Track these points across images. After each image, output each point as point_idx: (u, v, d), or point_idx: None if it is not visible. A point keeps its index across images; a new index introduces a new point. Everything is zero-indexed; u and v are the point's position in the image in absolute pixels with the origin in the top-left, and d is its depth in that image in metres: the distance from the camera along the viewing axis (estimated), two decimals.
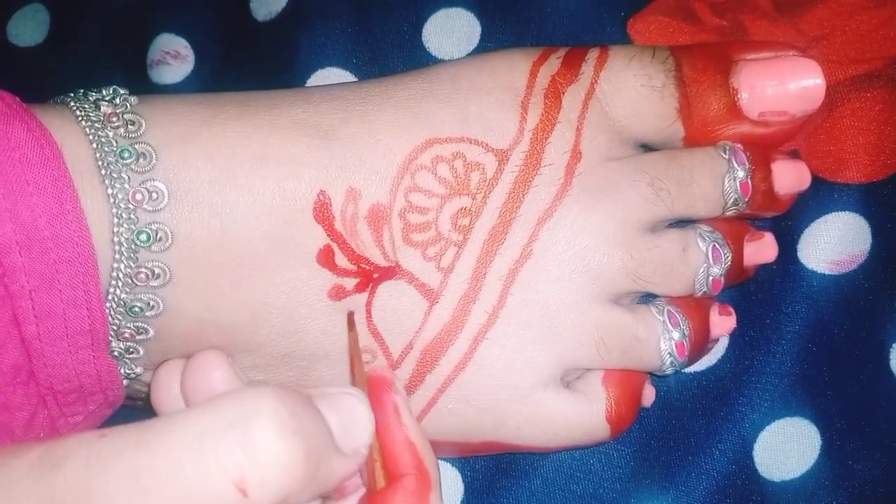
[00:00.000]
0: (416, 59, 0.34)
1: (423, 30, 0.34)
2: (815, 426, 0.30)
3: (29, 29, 0.38)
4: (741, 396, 0.30)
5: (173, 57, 0.36)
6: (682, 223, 0.30)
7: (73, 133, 0.25)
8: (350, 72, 0.34)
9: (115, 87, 0.27)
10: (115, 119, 0.25)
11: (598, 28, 0.33)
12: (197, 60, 0.36)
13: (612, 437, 0.29)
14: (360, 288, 0.28)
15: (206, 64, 0.36)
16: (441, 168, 0.28)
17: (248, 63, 0.36)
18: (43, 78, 0.38)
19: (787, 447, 0.30)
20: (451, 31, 0.34)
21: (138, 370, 0.27)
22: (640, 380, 0.30)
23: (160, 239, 0.25)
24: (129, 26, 0.37)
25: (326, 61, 0.34)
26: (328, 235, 0.27)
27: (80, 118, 0.25)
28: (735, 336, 0.31)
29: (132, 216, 0.25)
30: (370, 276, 0.28)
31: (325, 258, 0.27)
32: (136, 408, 0.30)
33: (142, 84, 0.36)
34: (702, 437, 0.30)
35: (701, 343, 0.30)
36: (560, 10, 0.34)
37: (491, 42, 0.34)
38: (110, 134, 0.25)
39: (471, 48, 0.34)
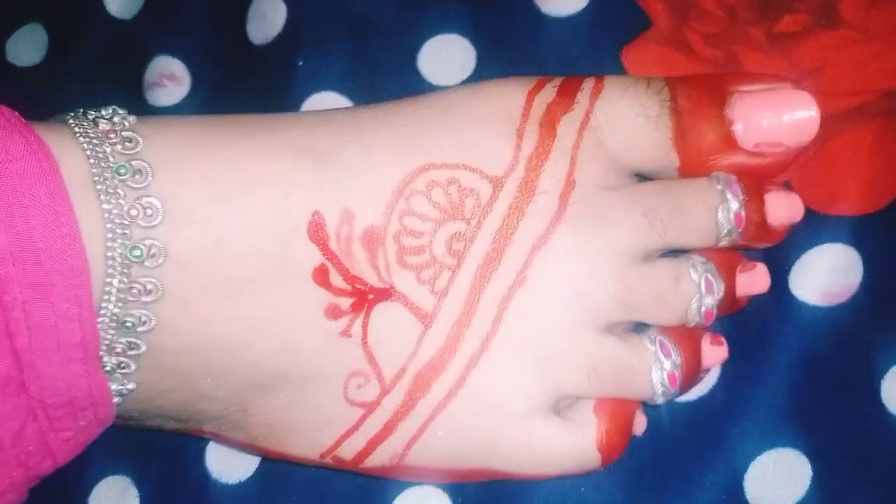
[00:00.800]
0: (411, 84, 0.34)
1: (419, 56, 0.35)
2: (807, 457, 0.30)
3: (27, 49, 0.38)
4: (732, 427, 0.30)
5: (169, 79, 0.36)
6: (676, 252, 0.30)
7: (70, 149, 0.25)
8: (346, 96, 0.35)
9: (114, 107, 0.27)
10: (112, 136, 0.26)
11: (593, 56, 0.34)
12: (193, 83, 0.37)
13: (602, 466, 0.29)
14: (355, 308, 0.28)
15: (202, 87, 0.36)
16: (436, 193, 0.28)
17: (244, 87, 0.36)
18: (42, 98, 0.38)
19: (779, 478, 0.30)
20: (446, 58, 0.35)
21: (130, 386, 0.27)
22: (631, 408, 0.30)
23: (153, 255, 0.25)
24: (126, 48, 0.37)
25: (322, 86, 0.35)
26: (323, 255, 0.27)
27: (78, 135, 0.25)
28: (726, 366, 0.31)
29: (126, 231, 0.25)
30: (365, 297, 0.28)
31: (321, 276, 0.27)
32: (128, 427, 0.29)
33: (139, 106, 0.36)
34: (692, 468, 0.30)
35: (692, 373, 0.30)
36: (554, 39, 0.34)
37: (486, 69, 0.34)
38: (108, 150, 0.25)
39: (465, 76, 0.34)
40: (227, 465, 0.34)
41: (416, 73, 0.35)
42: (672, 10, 0.33)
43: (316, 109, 0.34)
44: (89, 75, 0.38)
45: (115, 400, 0.27)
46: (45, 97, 0.38)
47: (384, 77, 0.35)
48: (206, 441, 0.34)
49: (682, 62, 0.33)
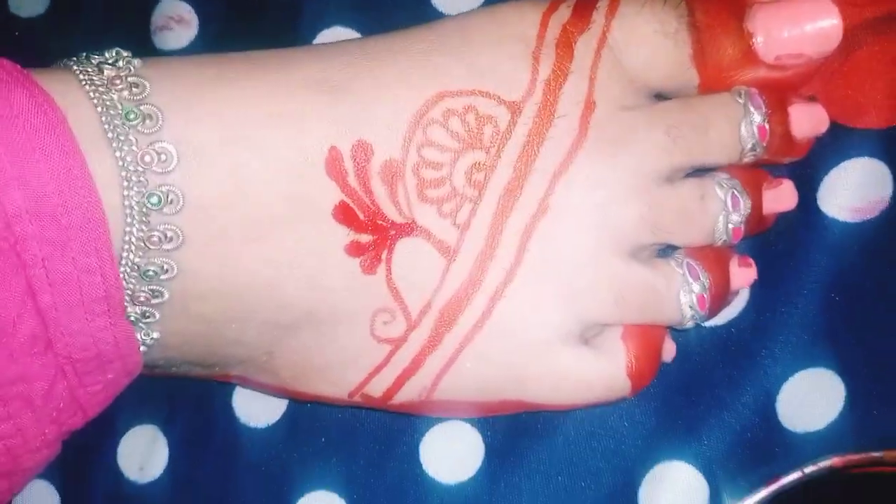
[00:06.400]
0: (422, 15, 0.34)
1: None
2: (839, 376, 0.29)
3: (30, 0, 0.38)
4: (763, 349, 0.30)
5: (177, 22, 0.36)
6: (700, 172, 0.29)
7: (77, 97, 0.24)
8: (356, 31, 0.34)
9: (118, 49, 0.26)
10: (118, 82, 0.25)
11: None
12: (201, 25, 0.36)
13: (632, 394, 0.29)
14: (377, 245, 0.27)
15: (210, 28, 0.36)
16: (453, 122, 0.27)
17: (253, 27, 0.35)
18: (46, 48, 0.37)
19: (811, 398, 0.30)
20: None
21: (155, 335, 0.26)
22: (660, 335, 0.29)
23: (171, 201, 0.25)
24: None
25: (331, 20, 0.34)
26: (342, 191, 0.27)
27: (83, 82, 0.25)
28: (756, 288, 0.31)
29: (142, 179, 0.24)
30: (387, 233, 0.27)
31: (342, 214, 0.27)
32: (154, 377, 0.29)
33: (146, 51, 0.35)
34: (724, 391, 0.30)
35: (721, 295, 0.29)
36: None
37: None
38: (115, 97, 0.25)
39: (478, 2, 0.34)
40: (255, 409, 0.34)
41: (427, 3, 0.34)
42: None
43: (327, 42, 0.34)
44: (95, 23, 0.37)
45: (142, 349, 0.27)
46: (50, 47, 0.37)
47: (394, 9, 0.34)
48: (233, 386, 0.34)
49: None
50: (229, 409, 0.34)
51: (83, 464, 0.35)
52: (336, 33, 0.34)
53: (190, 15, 0.36)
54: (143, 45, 0.36)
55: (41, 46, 0.37)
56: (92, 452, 0.35)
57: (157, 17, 0.36)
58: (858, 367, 0.29)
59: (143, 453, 0.34)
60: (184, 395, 0.34)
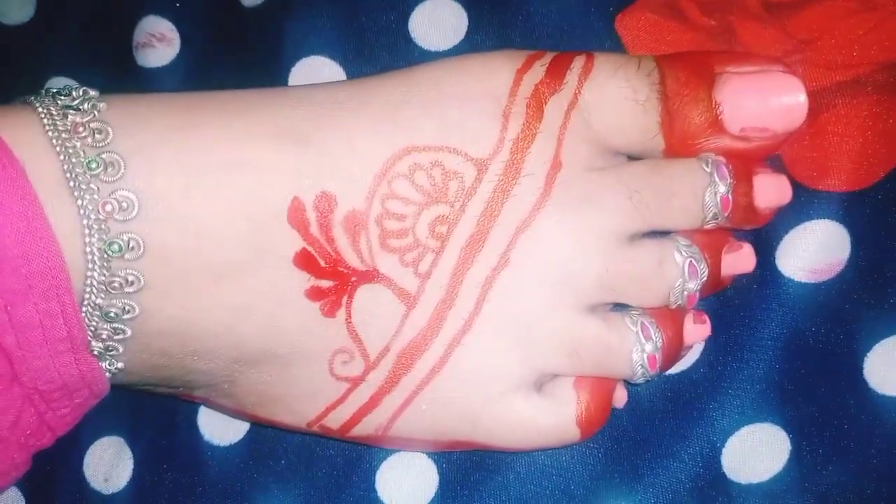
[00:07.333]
0: (402, 49, 0.34)
1: (410, 20, 0.34)
2: (785, 431, 0.30)
3: (15, 7, 0.38)
4: (712, 401, 0.31)
5: (158, 39, 0.36)
6: (662, 233, 0.30)
7: (40, 146, 0.25)
8: (335, 61, 0.34)
9: (85, 88, 0.26)
10: (81, 129, 0.25)
11: (586, 23, 0.33)
12: (182, 44, 0.36)
13: (582, 440, 0.30)
14: (338, 290, 0.28)
15: (192, 48, 0.36)
16: (419, 176, 0.28)
17: (234, 49, 0.35)
18: (31, 56, 0.37)
19: (757, 451, 0.30)
20: (438, 22, 0.34)
21: (119, 365, 0.27)
22: (611, 384, 0.30)
23: (132, 248, 0.25)
24: (115, 7, 0.37)
25: (312, 49, 0.34)
26: (304, 240, 0.27)
27: (47, 128, 0.25)
28: (710, 341, 0.31)
29: (103, 227, 0.25)
30: (348, 279, 0.28)
31: (302, 261, 0.27)
32: (122, 388, 0.30)
33: (128, 67, 0.36)
34: (671, 440, 0.31)
35: (674, 353, 0.30)
36: (548, 4, 0.33)
37: (478, 34, 0.34)
38: (77, 144, 0.25)
39: (458, 40, 0.34)
40: (219, 428, 0.34)
41: (408, 37, 0.34)
42: None
43: (302, 77, 0.34)
44: (80, 34, 0.37)
45: (107, 375, 0.27)
46: (34, 55, 0.37)
47: (375, 41, 0.34)
48: (199, 404, 0.34)
49: (677, 30, 0.32)
50: (194, 426, 0.34)
51: (51, 471, 0.35)
52: (316, 62, 0.34)
53: (172, 33, 0.36)
54: (126, 61, 0.36)
55: (27, 54, 0.37)
56: (59, 459, 0.35)
57: (139, 34, 0.36)
58: (805, 423, 0.30)
59: (109, 465, 0.35)
60: (151, 409, 0.35)
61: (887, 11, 0.31)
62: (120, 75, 0.36)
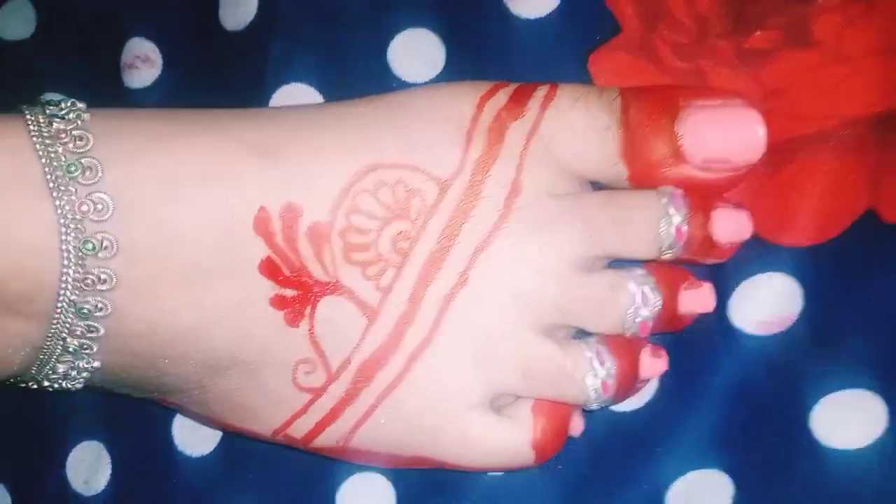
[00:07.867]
0: (380, 78, 0.35)
1: (389, 50, 0.35)
2: (730, 478, 0.30)
3: (15, 24, 0.39)
4: (660, 444, 0.31)
5: (143, 61, 0.37)
6: (623, 262, 0.30)
7: (24, 150, 0.27)
8: (315, 88, 0.35)
9: (73, 100, 0.28)
10: (63, 136, 0.27)
11: (560, 60, 0.34)
12: (165, 66, 0.37)
13: (536, 464, 0.30)
14: (301, 299, 0.29)
15: (174, 70, 0.37)
16: (383, 192, 0.29)
17: (216, 73, 0.36)
18: (29, 73, 0.39)
19: (700, 496, 0.31)
20: (416, 53, 0.35)
21: (95, 364, 0.28)
22: (567, 410, 0.31)
23: (105, 247, 0.27)
24: (105, 29, 0.38)
25: (292, 77, 0.35)
26: (269, 248, 0.28)
27: (33, 134, 0.27)
28: (665, 382, 0.32)
29: (79, 226, 0.26)
30: (311, 289, 0.29)
31: (267, 268, 0.28)
32: (101, 392, 0.31)
33: (116, 86, 0.37)
34: (617, 480, 0.31)
35: (628, 382, 0.30)
36: (523, 40, 0.34)
37: (456, 66, 0.34)
38: (59, 150, 0.27)
39: (436, 72, 0.35)
40: (192, 438, 0.35)
41: (386, 67, 0.35)
42: (642, 16, 0.33)
43: (284, 101, 0.35)
44: (72, 54, 0.38)
45: (84, 375, 0.29)
46: (33, 72, 0.39)
47: (354, 70, 0.35)
48: (174, 412, 0.35)
49: (649, 72, 0.33)
50: (168, 435, 0.35)
51: (37, 469, 0.37)
52: (296, 89, 0.35)
53: (155, 55, 0.37)
54: (115, 81, 0.37)
55: (28, 69, 0.39)
56: (45, 459, 0.37)
57: (126, 56, 0.37)
58: (749, 471, 0.30)
59: (89, 468, 0.36)
60: (129, 415, 0.36)
61: (857, 65, 0.31)
62: (108, 94, 0.37)
